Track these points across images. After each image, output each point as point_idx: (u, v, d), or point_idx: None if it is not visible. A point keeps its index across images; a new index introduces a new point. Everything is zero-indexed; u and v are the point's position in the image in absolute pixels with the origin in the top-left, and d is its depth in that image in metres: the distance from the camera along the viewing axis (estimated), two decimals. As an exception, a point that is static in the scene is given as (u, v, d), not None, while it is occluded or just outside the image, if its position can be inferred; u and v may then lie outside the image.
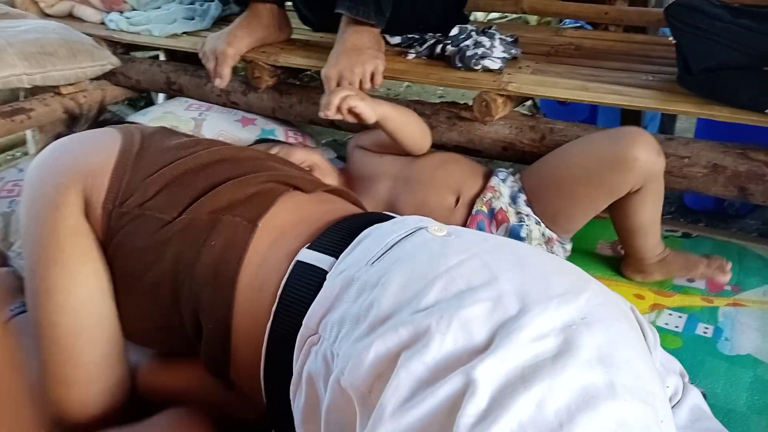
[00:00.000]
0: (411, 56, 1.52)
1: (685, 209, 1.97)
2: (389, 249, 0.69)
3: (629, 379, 0.55)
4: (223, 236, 0.77)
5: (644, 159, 1.09)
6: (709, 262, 1.24)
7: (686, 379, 0.80)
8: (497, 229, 1.22)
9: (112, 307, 0.82)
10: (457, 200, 1.27)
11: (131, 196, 0.80)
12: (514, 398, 0.51)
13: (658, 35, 1.82)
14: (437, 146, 1.45)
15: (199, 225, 0.78)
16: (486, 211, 1.23)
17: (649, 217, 1.18)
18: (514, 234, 1.20)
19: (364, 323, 0.61)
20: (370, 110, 1.20)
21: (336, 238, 0.75)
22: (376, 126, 1.26)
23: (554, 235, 1.22)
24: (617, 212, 1.20)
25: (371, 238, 0.72)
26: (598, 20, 1.78)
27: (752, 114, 1.16)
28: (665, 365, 0.77)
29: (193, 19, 1.79)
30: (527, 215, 1.21)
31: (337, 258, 0.71)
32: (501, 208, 1.22)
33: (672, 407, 0.73)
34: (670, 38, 1.34)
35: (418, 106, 1.49)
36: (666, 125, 2.11)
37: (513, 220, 1.21)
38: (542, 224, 1.21)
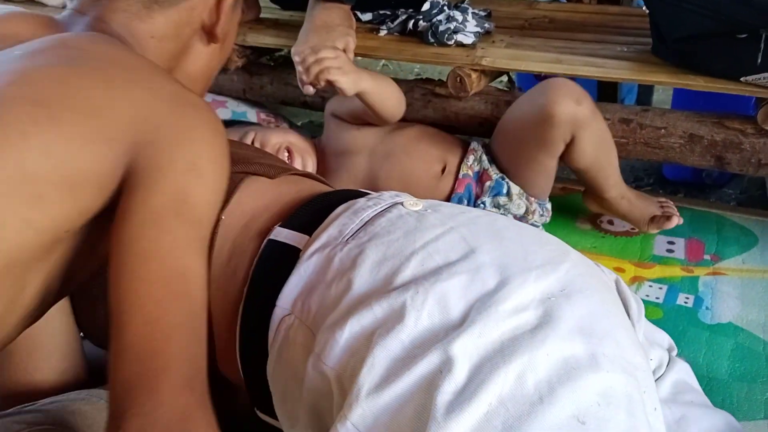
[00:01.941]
0: (383, 33, 1.48)
1: (664, 180, 1.97)
2: (364, 225, 0.67)
3: (611, 349, 0.53)
4: None
5: (562, 112, 1.10)
6: (662, 204, 1.28)
7: (674, 352, 0.79)
8: (483, 189, 1.25)
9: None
10: (444, 168, 1.28)
11: None
12: (493, 372, 0.50)
13: (633, 6, 1.81)
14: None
15: None
16: (472, 174, 1.26)
17: (591, 161, 1.18)
18: (497, 188, 1.24)
19: (339, 303, 0.59)
20: (350, 85, 1.18)
21: (309, 215, 0.72)
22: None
23: (531, 197, 1.26)
24: (564, 161, 1.22)
25: (346, 215, 0.70)
26: (572, -8, 1.76)
27: (727, 82, 1.15)
28: (650, 338, 0.76)
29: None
30: (503, 174, 1.26)
31: (310, 236, 0.69)
32: (485, 168, 1.26)
33: (656, 380, 0.72)
34: (644, 8, 1.32)
35: (392, 84, 1.47)
36: (643, 96, 2.10)
37: (494, 177, 1.25)
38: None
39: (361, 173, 1.31)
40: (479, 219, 0.69)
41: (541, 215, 1.29)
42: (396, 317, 0.55)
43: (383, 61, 3.08)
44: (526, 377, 0.50)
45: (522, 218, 1.26)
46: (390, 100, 1.28)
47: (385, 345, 0.53)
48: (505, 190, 1.24)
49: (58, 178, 0.55)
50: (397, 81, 1.49)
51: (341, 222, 0.69)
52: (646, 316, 1.08)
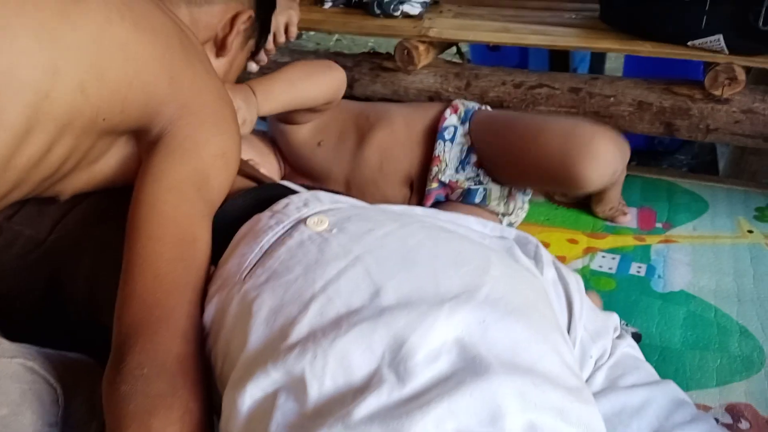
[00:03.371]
0: (328, 5, 1.44)
1: (617, 149, 1.97)
2: (263, 256, 0.62)
3: (537, 384, 0.49)
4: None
5: (598, 178, 1.01)
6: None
7: (617, 333, 0.77)
8: (453, 193, 1.15)
9: None
10: (411, 187, 1.18)
11: None
12: (408, 428, 0.45)
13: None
14: (361, 100, 1.38)
15: None
16: (437, 185, 1.15)
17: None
18: (469, 199, 1.14)
19: (237, 359, 0.55)
20: (249, 126, 0.99)
21: (215, 235, 0.68)
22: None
23: (513, 190, 1.18)
24: None
25: (246, 242, 0.64)
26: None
27: (675, 47, 1.14)
28: (594, 330, 0.73)
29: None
30: (479, 177, 1.14)
31: (215, 265, 0.65)
32: (450, 180, 1.14)
33: (596, 370, 0.70)
34: (592, -27, 1.30)
35: (339, 59, 1.42)
36: (595, 65, 2.09)
37: (466, 185, 1.14)
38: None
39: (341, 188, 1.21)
40: (389, 238, 0.62)
41: (520, 208, 1.21)
42: (297, 385, 0.50)
43: (336, 35, 3.02)
44: (446, 426, 0.46)
45: (500, 216, 1.18)
46: (312, 92, 1.11)
47: (287, 419, 0.49)
48: (479, 199, 1.14)
49: (131, 77, 0.64)
50: (342, 55, 1.45)
51: (241, 252, 0.63)
52: (599, 287, 1.08)
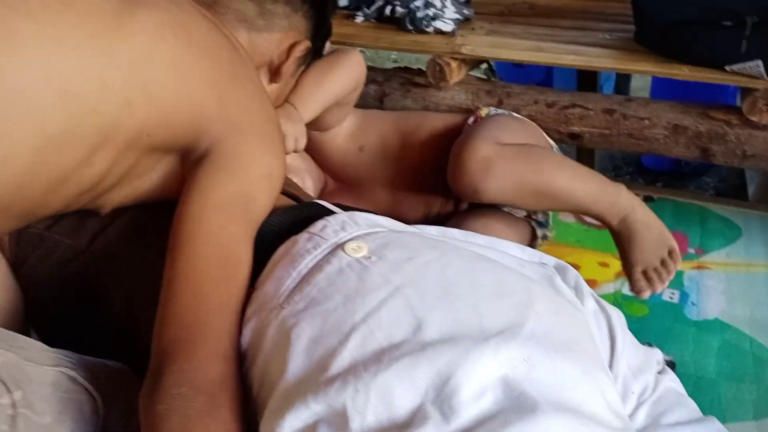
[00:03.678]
0: (359, 19, 1.44)
1: (643, 169, 1.96)
2: (301, 281, 0.61)
3: (585, 425, 0.48)
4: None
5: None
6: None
7: (660, 367, 0.75)
8: None
9: None
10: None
11: None
12: None
13: (613, -9, 1.77)
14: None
15: None
16: None
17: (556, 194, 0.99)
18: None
19: (276, 385, 0.54)
20: (302, 141, 0.99)
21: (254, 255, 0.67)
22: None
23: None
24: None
25: (283, 264, 0.64)
26: (551, -23, 1.71)
27: (713, 72, 1.12)
28: (635, 366, 0.71)
29: None
30: None
31: (253, 286, 0.64)
32: None
33: (638, 407, 0.68)
34: (628, -6, 1.29)
35: (370, 73, 1.41)
36: (621, 85, 2.08)
37: None
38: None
39: (384, 206, 1.19)
40: (429, 268, 0.61)
41: (543, 237, 1.16)
42: (338, 419, 0.49)
43: (359, 48, 3.03)
44: None
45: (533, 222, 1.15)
46: (340, 83, 1.09)
47: None
48: (508, 207, 1.11)
49: (179, 95, 0.65)
50: (374, 69, 1.44)
51: (277, 276, 0.63)
52: (631, 312, 1.07)
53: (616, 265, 1.19)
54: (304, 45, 0.87)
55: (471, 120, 1.16)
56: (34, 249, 0.80)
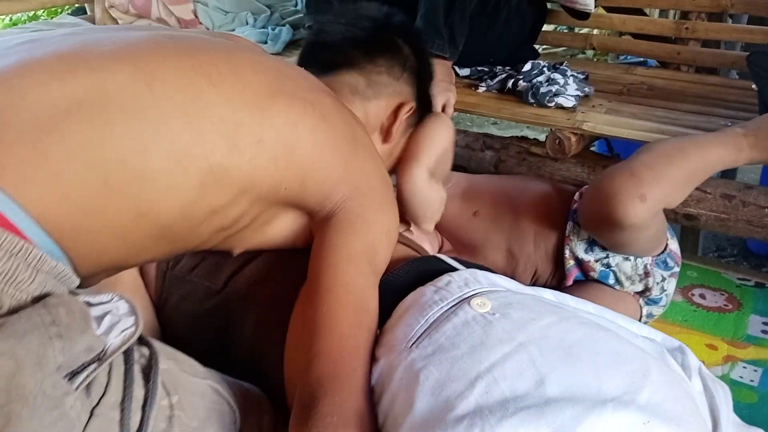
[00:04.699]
0: (482, 89, 1.52)
1: (748, 253, 1.94)
2: (429, 328, 0.67)
3: None
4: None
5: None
6: None
7: None
8: (588, 274, 1.15)
9: None
10: (556, 262, 1.19)
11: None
12: None
13: (730, 78, 1.79)
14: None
15: None
16: (573, 263, 1.16)
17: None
18: (602, 277, 1.14)
19: (402, 421, 0.60)
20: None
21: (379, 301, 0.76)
22: None
23: (648, 259, 1.12)
24: None
25: (411, 313, 0.71)
26: (669, 60, 1.75)
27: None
28: None
29: (266, 42, 1.83)
30: (608, 258, 1.14)
31: (380, 330, 0.72)
32: (583, 260, 1.15)
33: None
34: (753, 85, 1.32)
35: (487, 139, 1.50)
36: (729, 170, 2.07)
37: (597, 267, 1.14)
38: (631, 257, 1.13)
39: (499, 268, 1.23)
40: (551, 330, 0.65)
41: (662, 282, 1.15)
42: None
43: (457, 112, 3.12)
44: None
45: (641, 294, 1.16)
46: (439, 145, 1.12)
47: None
48: (612, 281, 1.13)
49: (315, 159, 0.76)
50: (491, 137, 1.52)
51: (407, 322, 0.69)
52: (739, 398, 1.06)
53: (724, 348, 1.19)
54: (409, 106, 0.99)
55: (577, 195, 1.17)
56: (177, 290, 0.92)
